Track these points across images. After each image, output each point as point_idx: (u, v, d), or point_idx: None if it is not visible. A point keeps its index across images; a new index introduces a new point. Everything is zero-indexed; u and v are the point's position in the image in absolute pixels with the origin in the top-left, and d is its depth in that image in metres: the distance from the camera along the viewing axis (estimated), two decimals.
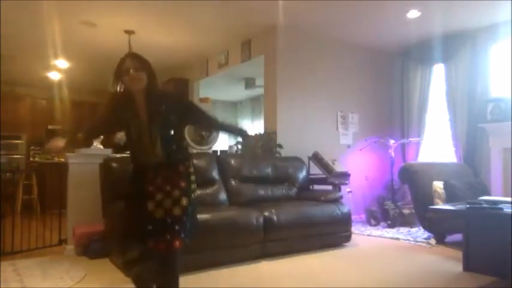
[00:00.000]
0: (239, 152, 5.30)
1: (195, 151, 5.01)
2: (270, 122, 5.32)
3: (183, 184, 2.14)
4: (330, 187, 4.61)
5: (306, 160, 4.89)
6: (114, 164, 3.69)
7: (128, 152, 2.26)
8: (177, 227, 2.08)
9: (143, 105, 2.15)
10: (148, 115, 2.14)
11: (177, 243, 2.09)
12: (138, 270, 2.22)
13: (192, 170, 2.24)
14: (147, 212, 2.09)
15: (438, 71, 5.81)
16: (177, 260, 2.17)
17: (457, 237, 3.86)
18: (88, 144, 2.29)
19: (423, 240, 4.36)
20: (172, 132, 2.17)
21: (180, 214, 2.10)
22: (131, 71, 2.09)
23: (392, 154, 5.60)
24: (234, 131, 2.62)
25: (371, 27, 5.31)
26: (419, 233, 4.72)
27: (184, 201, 2.12)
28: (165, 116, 2.14)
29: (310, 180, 4.77)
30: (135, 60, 2.14)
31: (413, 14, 4.82)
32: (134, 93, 2.15)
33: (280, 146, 5.01)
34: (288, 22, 5.08)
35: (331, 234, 4.05)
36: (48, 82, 7.78)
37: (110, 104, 2.23)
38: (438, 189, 4.35)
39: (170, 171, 2.14)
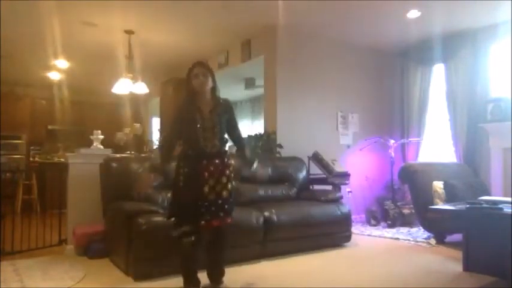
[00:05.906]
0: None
1: None
2: (270, 122, 5.32)
3: (227, 172, 2.65)
4: (330, 187, 4.61)
5: (306, 160, 4.89)
6: (114, 164, 3.70)
7: (183, 143, 2.70)
8: (226, 207, 2.61)
9: (208, 104, 2.65)
10: (211, 113, 2.64)
11: (229, 220, 2.66)
12: (190, 240, 2.58)
13: (232, 161, 2.72)
14: (202, 194, 2.55)
15: (438, 71, 5.80)
16: (228, 233, 2.74)
17: (457, 237, 3.85)
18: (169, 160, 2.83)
19: (423, 240, 4.36)
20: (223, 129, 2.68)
21: (227, 196, 2.62)
22: (200, 76, 2.60)
23: (392, 154, 5.60)
24: (245, 159, 3.07)
25: (371, 27, 5.31)
26: (419, 233, 4.72)
27: (229, 186, 2.65)
28: (222, 115, 2.68)
29: (310, 180, 4.76)
30: (202, 67, 2.65)
31: (413, 14, 4.82)
32: (199, 94, 2.64)
33: (280, 146, 5.01)
34: (288, 22, 5.08)
35: (331, 234, 4.05)
36: (48, 82, 7.77)
37: (180, 108, 2.70)
38: (438, 189, 4.35)
39: (220, 161, 2.63)
